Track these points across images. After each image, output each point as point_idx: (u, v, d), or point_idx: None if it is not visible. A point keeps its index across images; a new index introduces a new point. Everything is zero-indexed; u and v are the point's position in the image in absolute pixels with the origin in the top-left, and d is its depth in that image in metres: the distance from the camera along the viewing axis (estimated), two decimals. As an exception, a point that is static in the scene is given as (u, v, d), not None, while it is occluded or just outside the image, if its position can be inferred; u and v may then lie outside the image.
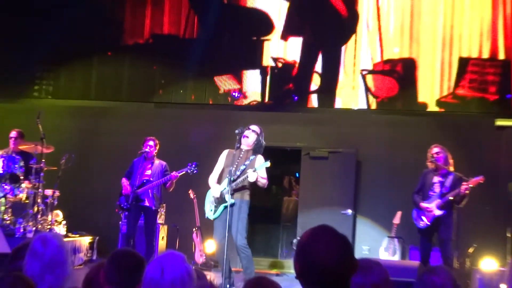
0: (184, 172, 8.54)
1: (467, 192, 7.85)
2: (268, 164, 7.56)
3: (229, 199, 7.57)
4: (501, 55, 10.57)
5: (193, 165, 8.49)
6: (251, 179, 7.51)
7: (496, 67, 10.58)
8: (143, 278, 3.17)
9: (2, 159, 9.41)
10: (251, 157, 7.69)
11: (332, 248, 2.33)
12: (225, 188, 7.64)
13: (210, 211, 7.84)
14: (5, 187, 9.24)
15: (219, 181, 7.84)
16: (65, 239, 8.96)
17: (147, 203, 8.82)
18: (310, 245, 2.37)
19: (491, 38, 10.57)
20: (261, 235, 11.73)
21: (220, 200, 7.69)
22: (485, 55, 10.61)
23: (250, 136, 7.75)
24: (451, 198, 7.91)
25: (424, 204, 8.05)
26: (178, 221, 10.28)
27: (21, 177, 9.43)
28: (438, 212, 7.98)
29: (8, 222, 9.14)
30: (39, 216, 9.34)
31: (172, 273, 3.05)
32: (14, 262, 3.58)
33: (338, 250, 2.34)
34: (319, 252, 2.33)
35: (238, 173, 7.61)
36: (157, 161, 8.94)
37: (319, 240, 2.36)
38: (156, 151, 8.95)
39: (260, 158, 7.70)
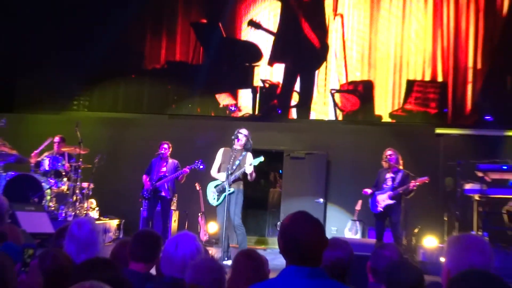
0: (193, 167, 8.55)
1: (414, 188, 7.93)
2: (262, 159, 7.67)
3: (227, 189, 7.60)
4: (440, 78, 10.63)
5: (199, 162, 8.48)
6: (248, 171, 7.59)
7: (435, 87, 10.65)
8: (162, 251, 3.18)
9: (48, 159, 9.39)
10: (243, 154, 7.75)
11: (308, 228, 2.36)
12: (224, 181, 7.66)
13: (213, 199, 7.85)
14: (51, 181, 9.22)
15: (218, 173, 7.90)
16: (97, 222, 8.95)
17: (163, 194, 8.83)
18: (291, 227, 2.39)
19: (431, 65, 10.63)
20: (252, 218, 11.69)
21: (222, 190, 7.71)
22: (427, 78, 10.67)
23: (241, 138, 7.81)
24: (401, 191, 7.98)
25: (378, 194, 8.13)
26: (187, 207, 10.27)
27: (63, 173, 9.41)
28: (389, 202, 8.02)
29: (52, 208, 9.11)
30: (77, 203, 9.32)
31: (184, 248, 3.05)
32: (57, 240, 3.56)
33: (313, 229, 2.36)
34: (298, 232, 2.35)
35: (234, 167, 7.66)
36: (170, 160, 8.94)
37: (298, 223, 2.39)
38: (169, 152, 8.94)
39: (249, 155, 7.77)
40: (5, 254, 2.25)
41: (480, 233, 8.07)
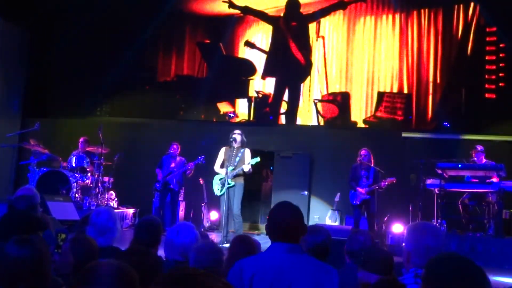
0: (197, 162, 8.55)
1: (384, 186, 8.10)
2: (258, 159, 7.70)
3: (229, 182, 7.63)
4: (405, 90, 10.64)
5: (202, 157, 8.51)
6: (245, 169, 7.60)
7: (402, 98, 10.65)
8: (165, 238, 3.16)
9: (75, 157, 9.35)
10: (242, 150, 7.76)
11: (288, 214, 2.42)
12: (227, 175, 7.67)
13: (217, 190, 7.88)
14: (77, 175, 9.18)
15: (221, 167, 7.89)
16: (116, 211, 8.92)
17: (172, 186, 8.81)
18: (275, 212, 2.46)
19: (398, 79, 10.64)
20: (248, 208, 11.57)
21: (225, 183, 7.71)
22: (395, 90, 10.68)
23: (238, 138, 7.83)
24: (375, 187, 8.10)
25: (359, 189, 8.18)
26: (192, 198, 10.24)
27: (88, 169, 9.37)
28: (366, 197, 8.11)
29: (78, 199, 9.07)
30: (99, 195, 9.28)
31: (184, 236, 3.04)
32: (82, 226, 3.55)
33: (292, 214, 2.42)
34: (279, 216, 2.42)
35: (235, 163, 7.66)
36: (178, 158, 8.93)
37: (280, 209, 2.46)
38: (177, 151, 8.93)
39: (247, 151, 7.84)
40: (44, 240, 2.24)
41: (440, 221, 8.08)
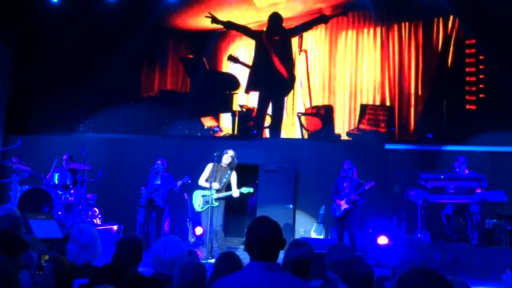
0: (184, 182, 8.52)
1: (364, 191, 8.13)
2: (251, 190, 7.75)
3: (213, 203, 7.62)
4: (388, 103, 10.76)
5: (188, 177, 8.48)
6: (235, 195, 7.65)
7: (384, 110, 10.77)
8: (152, 253, 3.17)
9: (58, 173, 9.29)
10: (228, 172, 7.73)
11: (265, 228, 2.40)
12: (211, 195, 7.61)
13: (198, 206, 7.85)
14: (59, 192, 9.10)
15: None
16: (100, 228, 8.86)
17: (157, 203, 8.76)
18: (253, 227, 2.44)
19: (380, 91, 10.77)
20: (233, 222, 11.62)
21: (207, 201, 7.68)
22: (377, 102, 10.80)
23: (228, 159, 7.80)
24: (356, 195, 8.12)
25: (338, 201, 8.23)
26: (177, 214, 10.20)
27: (71, 186, 9.30)
28: (346, 206, 8.15)
29: (61, 216, 8.97)
30: (82, 212, 9.20)
31: (171, 250, 3.06)
32: (64, 244, 3.53)
33: (270, 229, 2.39)
34: (257, 230, 2.40)
35: (222, 184, 7.64)
36: (165, 174, 8.90)
37: (258, 224, 2.44)
38: (163, 167, 8.91)
39: (234, 174, 7.80)
40: (17, 261, 2.23)
41: (424, 232, 8.15)
